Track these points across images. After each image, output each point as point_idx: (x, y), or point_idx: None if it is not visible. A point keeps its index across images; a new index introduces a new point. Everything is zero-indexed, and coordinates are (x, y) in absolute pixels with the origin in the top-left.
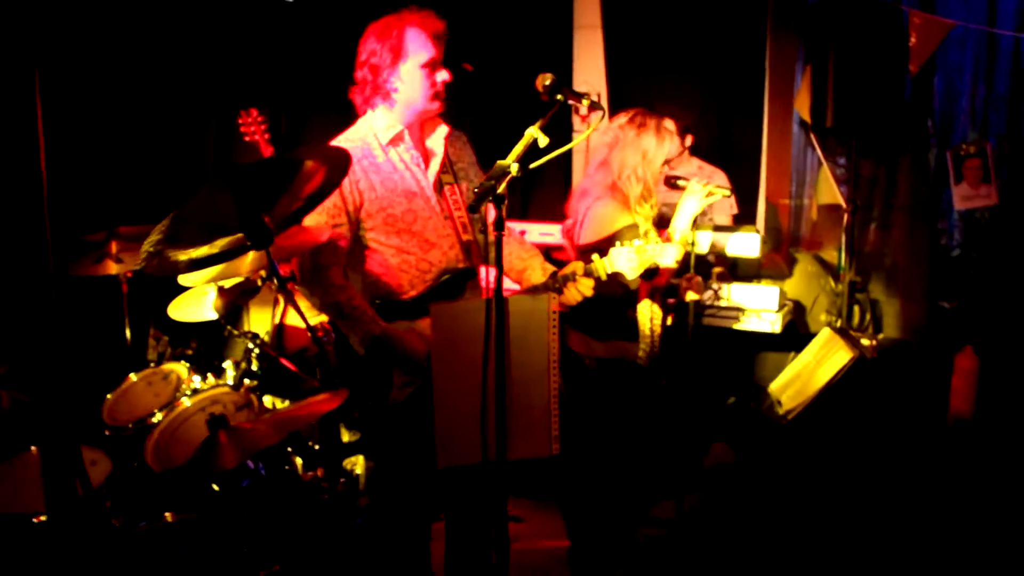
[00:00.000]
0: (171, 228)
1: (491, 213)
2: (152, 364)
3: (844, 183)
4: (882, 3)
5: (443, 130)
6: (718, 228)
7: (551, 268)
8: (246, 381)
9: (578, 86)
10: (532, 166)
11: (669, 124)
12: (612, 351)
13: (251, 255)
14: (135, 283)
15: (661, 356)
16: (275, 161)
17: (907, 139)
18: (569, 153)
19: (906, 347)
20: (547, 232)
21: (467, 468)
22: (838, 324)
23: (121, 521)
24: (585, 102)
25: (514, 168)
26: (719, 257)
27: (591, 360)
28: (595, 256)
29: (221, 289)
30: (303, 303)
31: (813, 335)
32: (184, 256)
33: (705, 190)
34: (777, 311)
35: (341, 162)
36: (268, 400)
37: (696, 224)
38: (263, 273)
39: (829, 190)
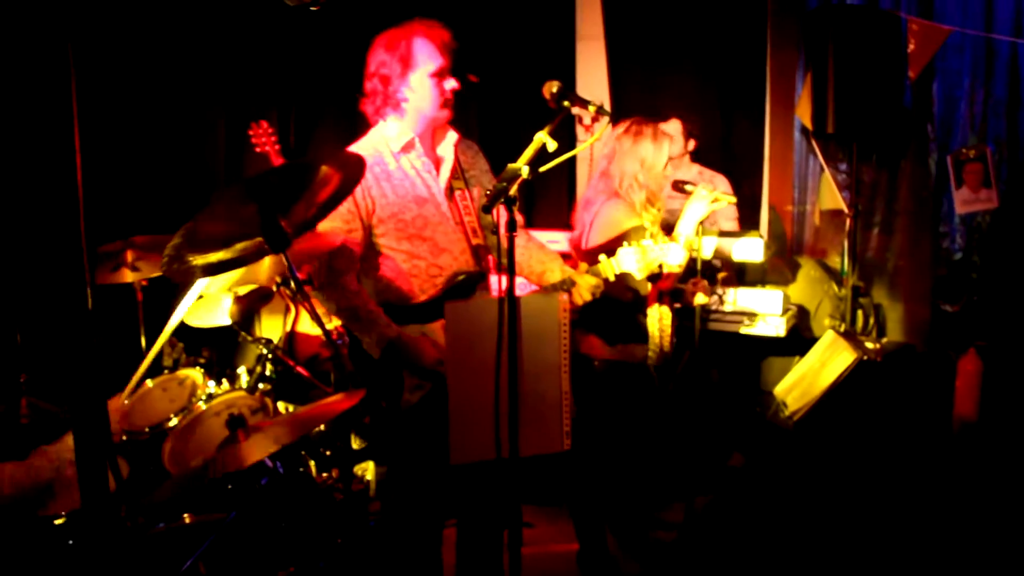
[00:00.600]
0: (190, 233)
1: (503, 215)
2: (167, 370)
3: (846, 188)
4: (881, 10)
5: (452, 137)
6: (723, 233)
7: (570, 271)
8: (260, 385)
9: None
10: (542, 169)
11: (668, 127)
12: (621, 354)
13: (267, 262)
14: (150, 291)
15: (671, 359)
16: (292, 166)
17: (907, 144)
18: (573, 164)
19: (910, 351)
20: (553, 240)
21: (479, 468)
22: (842, 328)
23: (140, 521)
24: (591, 108)
25: (525, 171)
26: (724, 262)
27: (600, 363)
28: (602, 256)
29: (237, 296)
30: (318, 308)
31: (817, 339)
32: (202, 260)
33: (712, 196)
34: (781, 315)
35: (355, 168)
36: (282, 406)
37: (702, 229)
38: (278, 279)
39: (831, 196)
